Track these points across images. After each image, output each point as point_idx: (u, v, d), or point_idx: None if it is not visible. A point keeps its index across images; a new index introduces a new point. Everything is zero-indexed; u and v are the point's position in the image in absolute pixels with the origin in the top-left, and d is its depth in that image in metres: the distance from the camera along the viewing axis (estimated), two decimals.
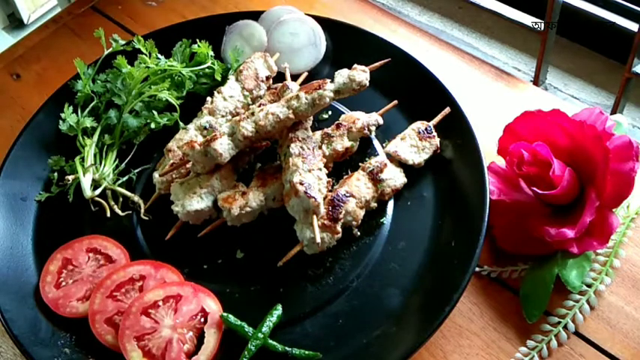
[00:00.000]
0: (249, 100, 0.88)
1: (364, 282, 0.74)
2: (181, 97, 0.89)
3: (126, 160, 0.86)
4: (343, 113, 0.87)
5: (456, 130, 0.82)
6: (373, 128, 0.84)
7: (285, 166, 0.77)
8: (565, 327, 0.71)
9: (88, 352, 0.70)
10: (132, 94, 0.87)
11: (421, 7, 1.41)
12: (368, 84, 0.81)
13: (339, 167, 0.83)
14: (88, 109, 0.89)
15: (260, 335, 0.69)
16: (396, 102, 0.87)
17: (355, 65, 0.82)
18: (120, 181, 0.84)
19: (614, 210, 0.73)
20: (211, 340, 0.69)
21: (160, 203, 0.81)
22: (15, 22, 1.93)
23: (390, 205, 0.80)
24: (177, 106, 0.88)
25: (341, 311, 0.72)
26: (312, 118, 0.82)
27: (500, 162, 0.80)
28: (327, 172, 0.78)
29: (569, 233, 0.71)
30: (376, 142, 0.86)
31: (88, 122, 0.87)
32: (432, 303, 0.70)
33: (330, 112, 0.89)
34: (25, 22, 1.91)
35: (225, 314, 0.70)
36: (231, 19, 0.96)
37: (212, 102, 0.86)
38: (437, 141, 0.82)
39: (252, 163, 0.84)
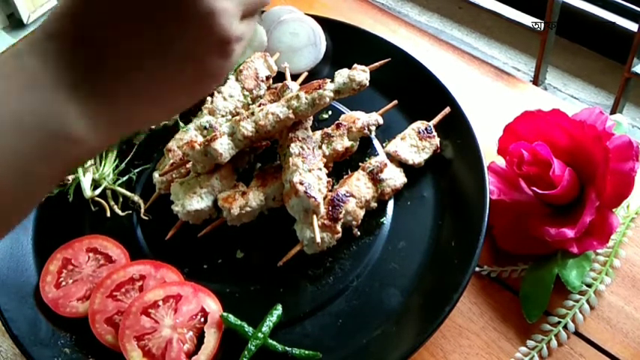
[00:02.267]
0: (249, 100, 0.88)
1: (364, 282, 0.74)
2: None
3: (126, 160, 0.86)
4: (343, 113, 0.87)
5: (456, 130, 0.82)
6: (373, 128, 0.84)
7: (285, 166, 0.77)
8: (565, 327, 0.71)
9: (88, 352, 0.70)
10: None
11: (421, 7, 1.41)
12: (368, 84, 0.81)
13: (339, 167, 0.83)
14: None
15: (260, 335, 0.69)
16: (396, 102, 0.87)
17: (355, 65, 0.82)
18: (120, 181, 0.84)
19: (614, 210, 0.74)
20: (211, 340, 0.69)
21: (159, 203, 0.81)
22: (15, 22, 1.93)
23: (390, 205, 0.80)
24: None
25: (341, 311, 0.72)
26: (312, 118, 0.82)
27: (501, 162, 0.80)
28: (327, 172, 0.78)
29: (569, 233, 0.71)
30: (376, 142, 0.86)
31: None
32: (432, 303, 0.70)
33: (330, 112, 0.89)
34: (25, 22, 1.91)
35: (225, 314, 0.70)
36: None
37: (212, 102, 0.86)
38: (437, 141, 0.82)
39: (252, 163, 0.84)
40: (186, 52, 0.43)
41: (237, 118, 0.78)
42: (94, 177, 0.83)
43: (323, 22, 0.95)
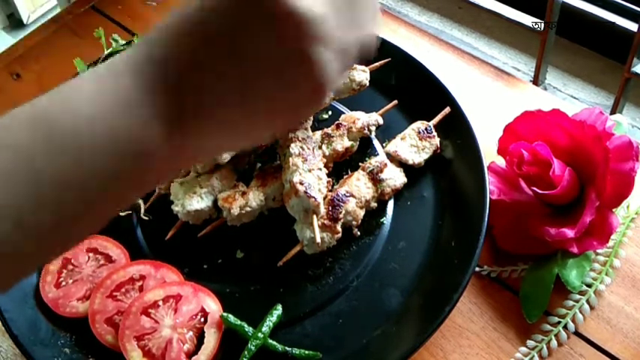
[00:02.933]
0: None
1: (364, 282, 0.74)
2: None
3: None
4: (343, 113, 0.87)
5: (456, 130, 0.82)
6: (373, 128, 0.84)
7: (285, 166, 0.77)
8: (565, 327, 0.71)
9: (88, 352, 0.70)
10: None
11: (421, 7, 1.41)
12: (368, 84, 0.81)
13: (339, 167, 0.83)
14: None
15: (260, 335, 0.69)
16: (396, 102, 0.87)
17: (355, 65, 0.82)
18: None
19: (614, 210, 0.74)
20: (211, 340, 0.69)
21: (159, 203, 0.81)
22: (15, 22, 1.93)
23: (390, 205, 0.80)
24: None
25: (341, 311, 0.72)
26: (312, 118, 0.82)
27: (501, 162, 0.80)
28: (327, 172, 0.78)
29: (569, 233, 0.71)
30: (376, 142, 0.86)
31: None
32: (432, 303, 0.70)
33: (330, 112, 0.89)
34: (25, 22, 1.91)
35: (225, 314, 0.70)
36: None
37: None
38: (437, 141, 0.82)
39: (252, 163, 0.84)
40: (282, 94, 0.43)
41: None
42: None
43: None
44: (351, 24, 0.44)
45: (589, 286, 0.74)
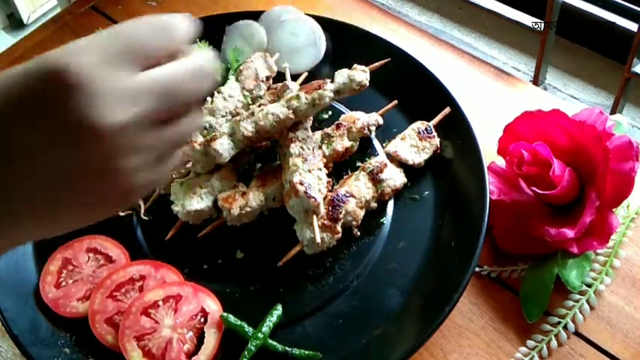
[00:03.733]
0: (249, 100, 0.88)
1: (364, 282, 0.74)
2: None
3: None
4: (343, 113, 0.87)
5: (456, 130, 0.82)
6: (373, 128, 0.84)
7: (285, 166, 0.77)
8: (565, 327, 0.71)
9: (88, 352, 0.70)
10: None
11: (421, 7, 1.41)
12: (368, 84, 0.81)
13: (339, 167, 0.83)
14: None
15: (260, 335, 0.69)
16: (396, 102, 0.87)
17: (355, 65, 0.82)
18: None
19: (614, 210, 0.74)
20: (211, 340, 0.69)
21: (160, 203, 0.81)
22: (15, 22, 1.93)
23: (390, 205, 0.80)
24: None
25: (341, 311, 0.72)
26: (312, 118, 0.82)
27: (501, 162, 0.80)
28: (327, 172, 0.78)
29: (569, 233, 0.71)
30: (376, 142, 0.86)
31: None
32: (432, 303, 0.70)
33: (330, 112, 0.89)
34: (25, 22, 1.91)
35: (225, 314, 0.70)
36: (232, 19, 0.96)
37: (212, 102, 0.86)
38: (437, 141, 0.82)
39: (252, 163, 0.84)
40: (87, 200, 0.43)
41: (238, 118, 0.78)
42: None
43: (323, 22, 0.95)
44: (168, 116, 0.44)
45: (589, 286, 0.74)
